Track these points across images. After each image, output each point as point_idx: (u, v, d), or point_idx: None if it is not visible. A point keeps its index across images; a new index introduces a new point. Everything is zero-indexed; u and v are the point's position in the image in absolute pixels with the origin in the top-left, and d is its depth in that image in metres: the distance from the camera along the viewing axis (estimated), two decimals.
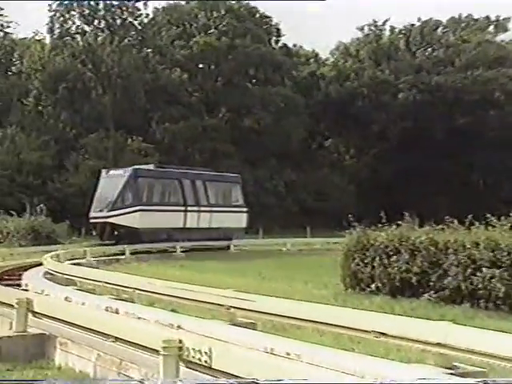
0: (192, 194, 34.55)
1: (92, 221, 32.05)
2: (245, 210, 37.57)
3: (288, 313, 10.06)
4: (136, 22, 60.34)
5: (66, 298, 12.76)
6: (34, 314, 9.48)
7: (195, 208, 34.28)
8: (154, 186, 33.78)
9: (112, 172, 33.50)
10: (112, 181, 32.14)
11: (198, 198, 34.75)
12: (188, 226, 33.76)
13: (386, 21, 69.95)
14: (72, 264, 20.07)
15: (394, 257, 15.34)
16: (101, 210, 31.36)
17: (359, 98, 64.79)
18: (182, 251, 30.96)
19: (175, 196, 34.31)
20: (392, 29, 69.79)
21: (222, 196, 37.60)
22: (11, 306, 9.85)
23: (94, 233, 32.36)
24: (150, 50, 61.49)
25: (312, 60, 71.39)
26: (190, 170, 37.69)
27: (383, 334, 8.03)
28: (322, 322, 9.40)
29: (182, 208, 33.77)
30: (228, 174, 39.90)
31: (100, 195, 32.07)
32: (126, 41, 58.87)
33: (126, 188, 31.76)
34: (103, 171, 34.09)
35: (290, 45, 68.63)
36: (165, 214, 32.43)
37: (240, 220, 36.80)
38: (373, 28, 70.14)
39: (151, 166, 35.46)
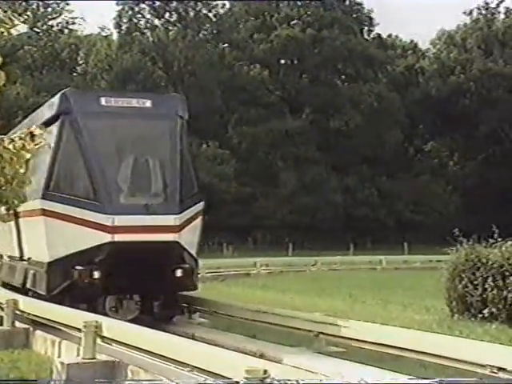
0: None
1: (122, 238, 12.91)
2: None
3: (385, 341, 9.97)
4: (211, 14, 61.36)
5: None
6: (103, 338, 9.71)
7: None
8: None
9: (124, 100, 14.55)
10: (140, 124, 14.03)
11: None
12: None
13: (501, 2, 67.98)
14: None
15: (511, 278, 14.94)
16: (148, 209, 13.20)
17: (466, 94, 63.51)
18: None
19: None
20: (508, 11, 67.76)
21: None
22: (78, 329, 10.14)
23: (96, 275, 12.90)
24: (226, 45, 62.30)
25: (410, 52, 70.55)
26: None
27: (502, 369, 7.82)
28: (424, 353, 9.27)
29: None
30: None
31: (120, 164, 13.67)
32: (199, 35, 59.92)
33: (178, 150, 14.19)
34: (89, 95, 18.33)
35: (385, 35, 68.15)
36: None
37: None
38: (483, 12, 68.49)
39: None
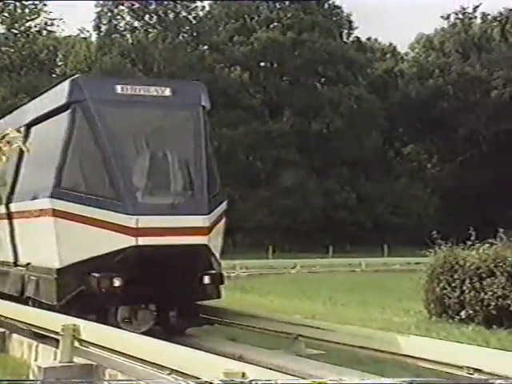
0: None
1: (147, 242, 11.35)
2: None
3: (364, 343, 9.99)
4: (191, 17, 61.31)
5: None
6: (81, 342, 9.65)
7: None
8: None
9: (142, 88, 12.66)
10: (161, 114, 12.72)
11: None
12: None
13: (477, 7, 69.06)
14: None
15: (488, 280, 15.03)
16: (174, 209, 11.64)
17: (444, 97, 63.96)
18: None
19: None
20: (484, 16, 68.66)
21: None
22: (55, 332, 10.06)
23: (117, 283, 11.41)
24: (206, 48, 62.26)
25: (389, 55, 70.95)
26: None
27: (478, 370, 7.88)
28: (403, 355, 9.30)
29: None
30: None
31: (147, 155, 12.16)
32: (179, 37, 59.82)
33: (203, 143, 12.55)
34: (102, 82, 14.31)
35: (364, 38, 68.51)
36: None
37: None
38: (461, 16, 69.21)
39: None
